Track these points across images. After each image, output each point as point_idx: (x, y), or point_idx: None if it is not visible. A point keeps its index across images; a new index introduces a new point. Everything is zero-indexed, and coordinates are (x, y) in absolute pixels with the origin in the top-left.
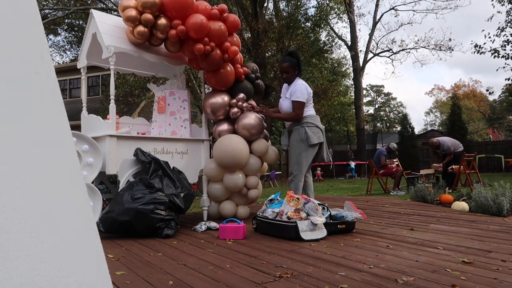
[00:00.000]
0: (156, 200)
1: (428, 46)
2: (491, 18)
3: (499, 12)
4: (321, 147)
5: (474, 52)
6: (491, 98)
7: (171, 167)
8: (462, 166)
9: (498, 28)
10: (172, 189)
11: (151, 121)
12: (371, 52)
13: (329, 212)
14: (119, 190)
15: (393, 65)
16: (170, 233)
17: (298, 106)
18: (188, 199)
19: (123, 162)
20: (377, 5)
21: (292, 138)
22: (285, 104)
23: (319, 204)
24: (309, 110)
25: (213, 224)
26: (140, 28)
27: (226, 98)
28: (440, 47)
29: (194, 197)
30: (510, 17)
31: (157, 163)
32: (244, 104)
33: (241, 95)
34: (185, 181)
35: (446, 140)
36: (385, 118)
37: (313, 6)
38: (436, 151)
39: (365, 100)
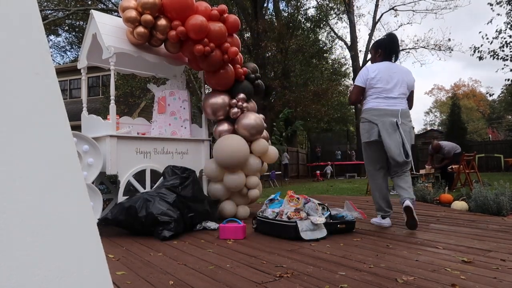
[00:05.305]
0: (163, 196)
1: (428, 46)
2: (491, 21)
3: (499, 14)
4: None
5: (472, 55)
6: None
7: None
8: (461, 166)
9: (496, 31)
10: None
11: (151, 121)
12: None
13: (329, 212)
14: (119, 191)
15: None
16: (167, 235)
17: (355, 89)
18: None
19: (123, 162)
20: (376, 5)
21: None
22: None
23: (319, 204)
24: (381, 102)
25: (209, 224)
26: (140, 29)
27: (226, 98)
28: (439, 47)
29: (206, 216)
30: (510, 18)
31: (193, 180)
32: None
33: (241, 95)
34: (201, 204)
35: (447, 145)
36: None
37: (313, 7)
38: (435, 154)
39: None
